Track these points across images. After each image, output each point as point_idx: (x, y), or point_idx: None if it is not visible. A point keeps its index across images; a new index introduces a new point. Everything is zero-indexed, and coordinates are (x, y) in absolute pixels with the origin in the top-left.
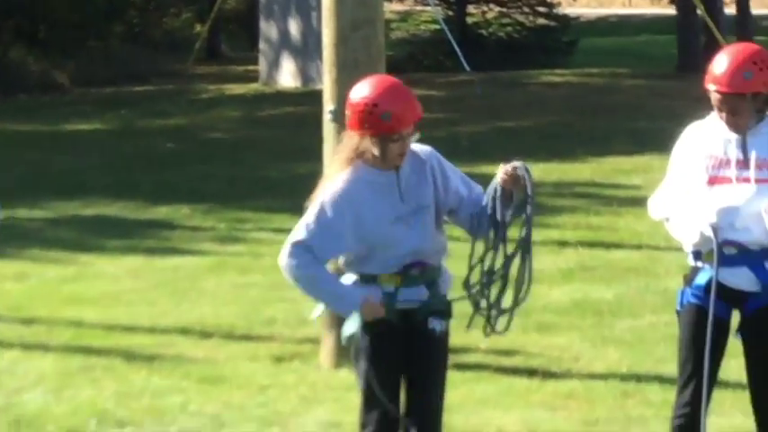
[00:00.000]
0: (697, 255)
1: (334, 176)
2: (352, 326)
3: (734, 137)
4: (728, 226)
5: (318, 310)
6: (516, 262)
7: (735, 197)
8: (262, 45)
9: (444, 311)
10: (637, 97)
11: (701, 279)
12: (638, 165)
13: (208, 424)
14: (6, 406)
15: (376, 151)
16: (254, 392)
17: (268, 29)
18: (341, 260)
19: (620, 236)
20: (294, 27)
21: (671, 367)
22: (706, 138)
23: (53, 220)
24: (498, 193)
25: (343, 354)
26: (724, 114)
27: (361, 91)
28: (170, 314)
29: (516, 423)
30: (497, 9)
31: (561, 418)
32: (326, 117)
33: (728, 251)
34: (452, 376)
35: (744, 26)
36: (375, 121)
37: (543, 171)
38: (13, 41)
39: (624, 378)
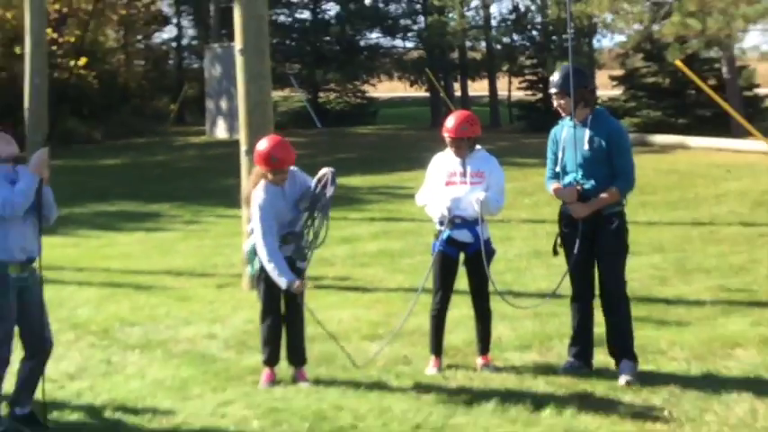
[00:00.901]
0: (441, 223)
1: (255, 189)
2: (253, 267)
3: (458, 160)
4: (456, 207)
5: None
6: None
7: (459, 192)
8: None
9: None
10: (409, 139)
11: (443, 237)
12: (415, 177)
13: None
14: (69, 317)
15: (270, 177)
16: (205, 303)
17: None
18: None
19: (403, 214)
20: None
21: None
22: (444, 160)
23: (93, 213)
24: (314, 184)
25: (253, 283)
26: (453, 149)
27: (262, 144)
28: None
29: None
30: (335, 94)
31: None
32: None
33: (457, 221)
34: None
35: (465, 101)
36: (268, 162)
37: (361, 181)
38: (68, 116)
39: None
